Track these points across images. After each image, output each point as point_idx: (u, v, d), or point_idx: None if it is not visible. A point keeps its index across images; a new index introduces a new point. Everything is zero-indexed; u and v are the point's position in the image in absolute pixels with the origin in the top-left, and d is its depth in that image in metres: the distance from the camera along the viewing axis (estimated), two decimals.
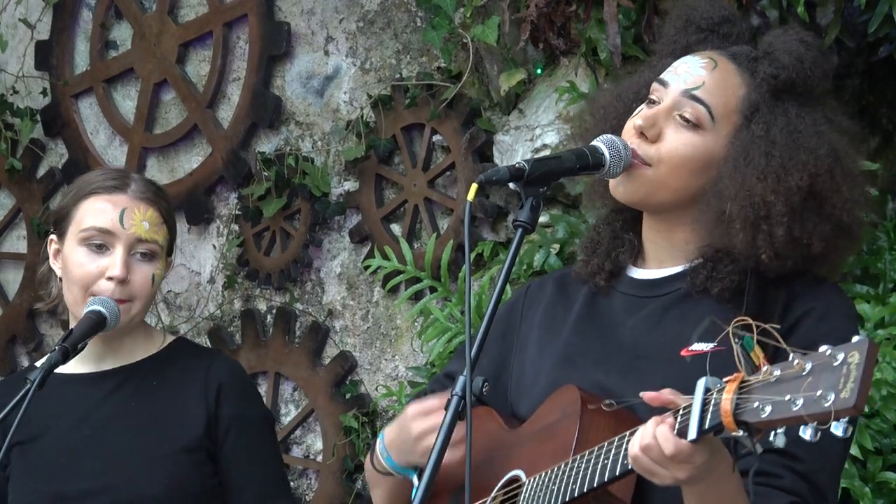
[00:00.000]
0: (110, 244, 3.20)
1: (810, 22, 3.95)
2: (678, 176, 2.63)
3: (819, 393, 2.05)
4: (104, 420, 3.24)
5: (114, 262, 3.18)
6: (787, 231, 2.58)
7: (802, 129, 2.63)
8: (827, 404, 2.04)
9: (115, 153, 5.96)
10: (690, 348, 2.56)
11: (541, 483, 2.53)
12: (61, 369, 3.25)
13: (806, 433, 2.09)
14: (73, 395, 3.27)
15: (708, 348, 2.51)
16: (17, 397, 3.01)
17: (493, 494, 2.67)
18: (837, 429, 2.06)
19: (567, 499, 2.46)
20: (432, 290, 4.75)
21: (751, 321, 2.21)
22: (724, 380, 2.21)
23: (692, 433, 2.23)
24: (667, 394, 2.32)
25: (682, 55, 2.73)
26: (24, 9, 6.16)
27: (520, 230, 2.49)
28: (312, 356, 5.33)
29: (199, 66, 5.73)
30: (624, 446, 2.37)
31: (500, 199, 4.89)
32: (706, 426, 2.22)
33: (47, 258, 3.34)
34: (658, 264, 2.73)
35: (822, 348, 2.09)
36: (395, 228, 5.20)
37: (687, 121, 2.63)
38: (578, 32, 4.36)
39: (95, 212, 3.22)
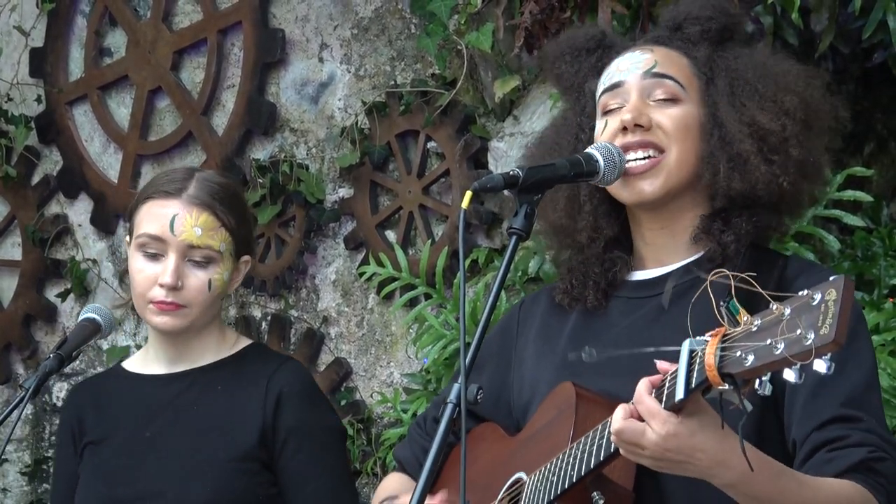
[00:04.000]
0: (163, 251, 3.14)
1: (805, 28, 3.96)
2: (689, 150, 2.66)
3: (799, 333, 2.05)
4: (166, 423, 3.21)
5: (165, 268, 3.14)
6: (800, 151, 2.64)
7: (764, 60, 2.71)
8: (808, 343, 2.03)
9: (109, 160, 5.96)
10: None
11: (541, 478, 2.53)
12: (136, 368, 3.29)
13: (791, 376, 2.07)
14: (142, 395, 3.25)
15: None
16: (13, 405, 3.01)
17: (499, 496, 2.67)
18: (820, 366, 2.04)
19: (566, 486, 2.45)
20: (427, 296, 4.75)
21: (727, 272, 2.21)
22: (707, 334, 2.20)
23: (680, 393, 2.21)
24: (667, 367, 2.31)
25: (598, 74, 2.79)
26: (18, 16, 6.17)
27: (514, 237, 2.49)
28: (307, 363, 5.33)
29: (193, 73, 5.73)
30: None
31: (494, 206, 4.89)
32: (693, 384, 2.20)
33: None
34: (657, 264, 2.72)
35: (801, 292, 2.10)
36: (390, 235, 5.20)
37: (664, 100, 2.66)
38: None
39: (149, 217, 3.17)
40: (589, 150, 2.62)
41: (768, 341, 2.09)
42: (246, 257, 3.25)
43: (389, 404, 4.85)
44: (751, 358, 2.11)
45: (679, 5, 2.82)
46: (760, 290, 2.14)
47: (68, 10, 6.04)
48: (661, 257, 2.72)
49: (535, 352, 2.79)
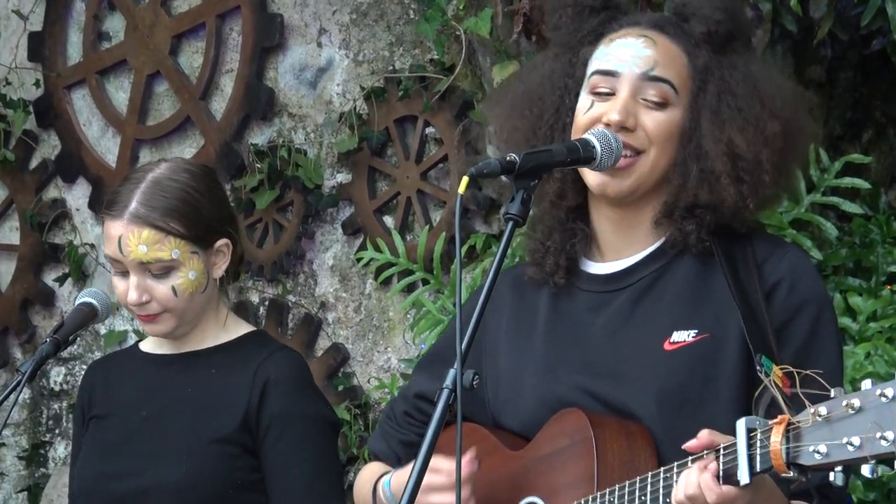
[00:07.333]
0: (124, 269, 3.19)
1: (803, 15, 3.96)
2: (666, 154, 2.64)
3: (878, 435, 2.07)
4: (161, 403, 3.24)
5: (129, 286, 3.17)
6: (772, 178, 2.62)
7: (758, 77, 2.68)
8: (886, 444, 2.06)
9: (108, 144, 5.96)
10: (672, 340, 2.56)
11: None
12: (148, 348, 3.32)
13: (866, 471, 2.10)
14: (145, 374, 3.29)
15: (690, 338, 2.53)
16: (10, 388, 3.02)
17: None
18: None
19: None
20: (425, 282, 4.74)
21: (792, 369, 2.23)
22: (770, 422, 2.21)
23: (744, 478, 2.23)
24: (705, 437, 2.32)
25: (595, 41, 2.73)
26: (17, 0, 6.16)
27: (510, 223, 2.48)
28: (305, 348, 5.33)
29: (192, 58, 5.73)
30: (661, 485, 2.37)
31: (492, 192, 4.89)
32: (758, 469, 2.22)
33: None
34: (616, 255, 2.70)
35: (866, 384, 2.10)
36: (388, 220, 5.20)
37: (655, 103, 2.64)
38: None
39: (106, 238, 3.21)
40: (586, 135, 2.61)
41: (844, 439, 2.10)
42: (221, 241, 3.23)
43: (387, 390, 4.85)
44: (823, 451, 2.13)
45: None
46: (800, 392, 2.18)
47: None
48: (620, 248, 2.70)
49: (510, 347, 2.75)
